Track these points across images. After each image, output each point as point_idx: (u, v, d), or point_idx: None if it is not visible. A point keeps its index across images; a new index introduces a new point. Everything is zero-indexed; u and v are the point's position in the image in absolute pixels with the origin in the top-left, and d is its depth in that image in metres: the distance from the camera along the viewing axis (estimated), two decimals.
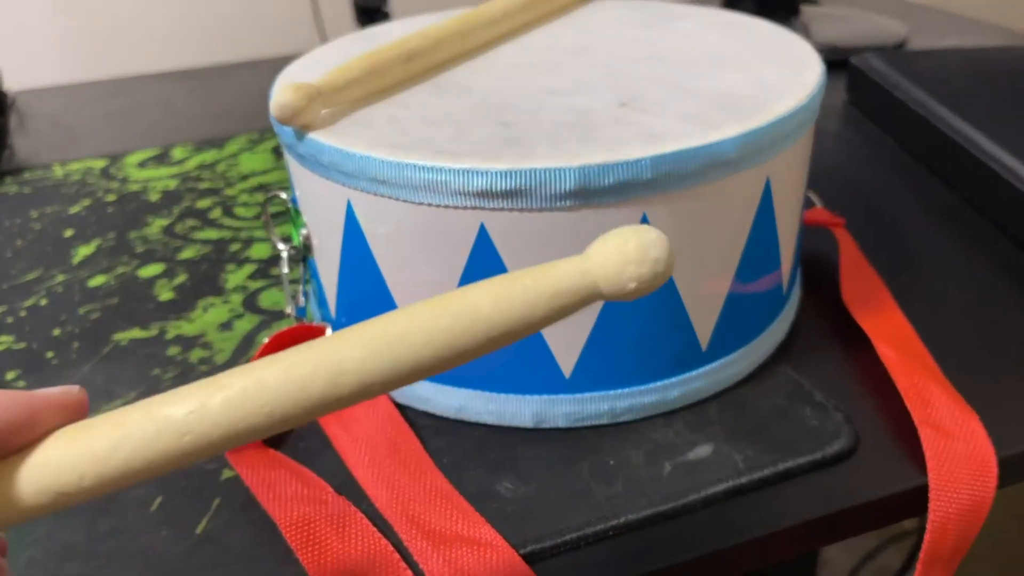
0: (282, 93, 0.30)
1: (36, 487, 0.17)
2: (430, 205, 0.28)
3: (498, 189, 0.27)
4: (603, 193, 0.27)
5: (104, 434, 0.17)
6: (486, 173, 0.27)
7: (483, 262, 0.29)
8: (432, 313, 0.18)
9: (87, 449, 0.17)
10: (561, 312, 0.18)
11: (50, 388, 0.19)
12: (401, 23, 0.43)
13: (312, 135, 0.30)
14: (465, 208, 0.28)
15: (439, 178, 0.28)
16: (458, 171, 0.27)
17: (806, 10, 0.80)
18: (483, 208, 0.28)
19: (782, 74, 0.33)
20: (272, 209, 0.51)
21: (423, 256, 0.30)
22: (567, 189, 0.27)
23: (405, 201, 0.29)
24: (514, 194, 0.27)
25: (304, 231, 0.35)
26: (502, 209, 0.28)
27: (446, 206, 0.28)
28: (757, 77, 0.33)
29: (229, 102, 0.72)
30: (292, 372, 0.17)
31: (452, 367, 0.18)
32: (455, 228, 0.29)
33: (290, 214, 0.37)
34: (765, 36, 0.39)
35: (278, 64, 0.79)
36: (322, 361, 0.17)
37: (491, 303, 0.18)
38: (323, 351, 0.18)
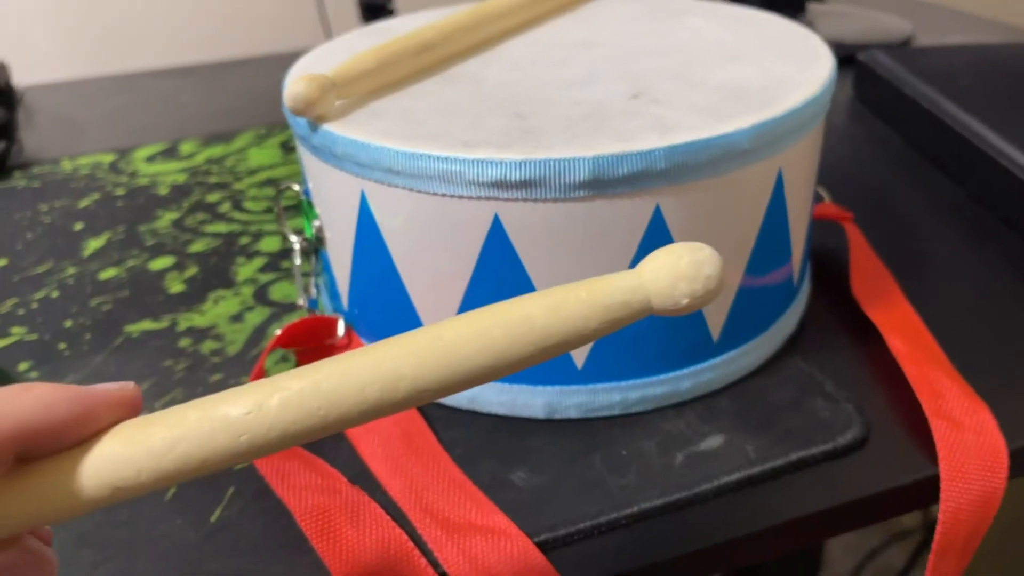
0: (296, 84, 0.30)
1: (95, 481, 0.18)
2: (444, 195, 0.29)
3: (512, 179, 0.27)
4: (617, 183, 0.28)
5: (162, 431, 0.18)
6: (500, 163, 0.27)
7: (497, 252, 0.29)
8: (486, 323, 0.18)
9: (145, 445, 0.18)
10: (613, 325, 0.18)
11: (106, 384, 0.19)
12: (407, 18, 0.43)
13: (326, 126, 0.30)
14: (479, 198, 0.28)
15: (453, 168, 0.28)
16: (472, 161, 0.27)
17: (812, 7, 0.81)
18: (497, 198, 0.28)
19: (793, 66, 0.34)
20: (284, 203, 0.51)
21: (437, 247, 0.30)
22: (581, 179, 0.27)
23: (419, 192, 0.29)
24: (528, 184, 0.27)
25: (317, 223, 0.35)
26: (516, 199, 0.28)
27: (460, 196, 0.28)
28: (768, 69, 0.33)
29: (235, 98, 0.72)
30: (349, 376, 0.17)
31: (504, 375, 0.18)
32: (469, 218, 0.29)
33: (302, 206, 0.37)
34: (774, 29, 0.39)
35: (283, 60, 0.79)
36: (379, 366, 0.18)
37: (544, 315, 0.18)
38: (379, 356, 0.18)
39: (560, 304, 0.18)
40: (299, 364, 0.36)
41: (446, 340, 0.18)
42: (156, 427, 0.18)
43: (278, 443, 0.17)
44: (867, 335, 0.36)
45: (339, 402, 0.17)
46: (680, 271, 0.17)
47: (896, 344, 0.34)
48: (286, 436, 0.17)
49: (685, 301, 0.18)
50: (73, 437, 0.18)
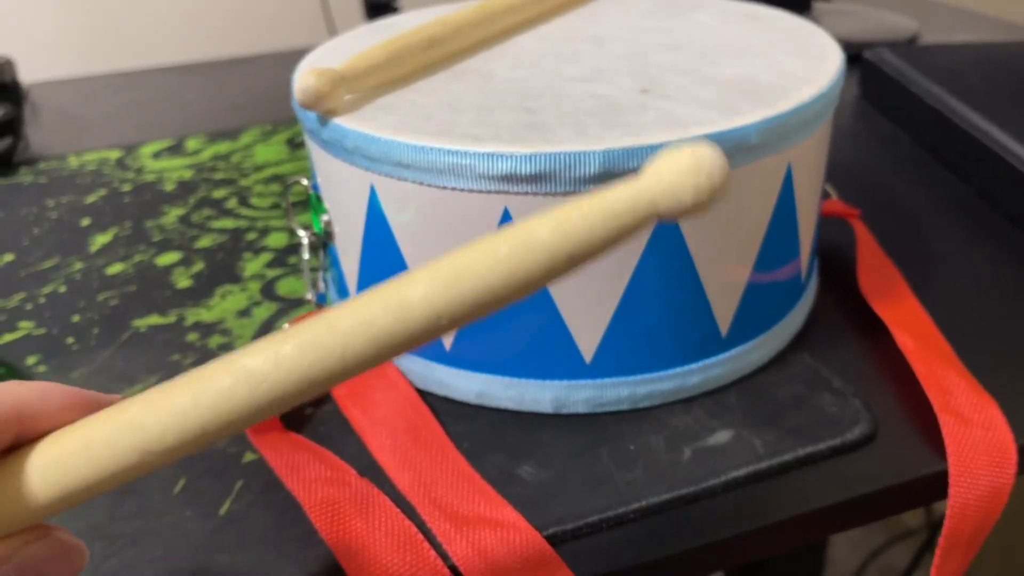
0: (306, 78, 0.30)
1: (122, 446, 0.17)
2: (454, 189, 0.29)
3: (522, 173, 0.27)
4: (626, 177, 0.28)
5: (184, 389, 0.17)
6: (511, 157, 0.27)
7: None
8: (492, 243, 0.17)
9: (169, 404, 0.17)
10: (620, 233, 0.17)
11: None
12: (412, 14, 0.43)
13: (336, 120, 0.30)
14: (489, 192, 0.28)
15: (464, 162, 0.28)
16: (483, 155, 0.28)
17: (817, 6, 0.81)
18: (507, 192, 0.28)
19: (802, 62, 0.34)
20: (291, 198, 0.51)
21: (446, 241, 0.30)
22: (591, 173, 0.27)
23: (429, 185, 0.29)
24: (538, 178, 0.28)
25: (325, 217, 0.35)
26: (526, 193, 0.28)
27: (470, 190, 0.28)
28: (777, 65, 0.33)
29: (240, 95, 0.72)
30: (360, 312, 0.17)
31: (517, 298, 0.17)
32: (479, 212, 0.29)
33: (310, 201, 0.37)
34: (783, 25, 0.39)
35: (288, 58, 0.80)
36: (388, 298, 0.17)
37: (550, 229, 0.17)
38: (387, 290, 0.17)
39: (565, 218, 0.17)
40: None
41: (454, 264, 0.17)
42: (177, 386, 0.18)
43: (299, 388, 0.17)
44: (875, 331, 0.36)
45: (354, 339, 0.17)
46: (682, 167, 0.17)
47: (904, 340, 0.34)
48: (306, 380, 0.17)
49: (689, 198, 0.17)
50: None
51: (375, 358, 0.17)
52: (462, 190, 0.28)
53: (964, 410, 0.30)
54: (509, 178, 0.28)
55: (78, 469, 0.18)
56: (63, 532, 0.20)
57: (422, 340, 0.17)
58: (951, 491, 0.28)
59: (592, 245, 0.17)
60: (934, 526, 0.90)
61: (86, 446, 0.18)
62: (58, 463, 0.18)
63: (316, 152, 0.33)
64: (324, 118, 0.31)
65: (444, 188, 0.29)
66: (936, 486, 0.30)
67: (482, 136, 0.28)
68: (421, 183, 0.29)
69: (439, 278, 0.17)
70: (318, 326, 0.17)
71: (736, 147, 0.28)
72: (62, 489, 0.18)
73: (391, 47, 0.33)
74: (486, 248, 0.17)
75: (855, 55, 0.65)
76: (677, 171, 0.17)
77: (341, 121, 0.30)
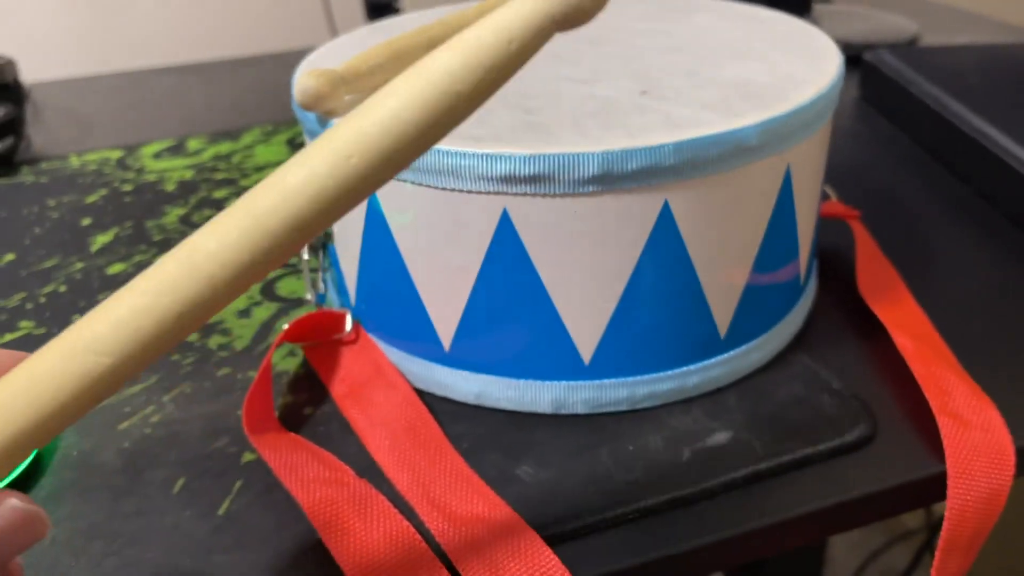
0: (306, 79, 0.30)
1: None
2: (452, 190, 0.29)
3: (521, 174, 0.27)
4: (625, 178, 0.28)
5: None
6: (509, 158, 0.27)
7: (505, 247, 0.29)
8: (406, 81, 0.18)
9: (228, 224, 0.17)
10: (526, 53, 0.17)
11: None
12: (414, 15, 0.44)
13: (336, 120, 0.30)
14: (488, 193, 0.28)
15: (462, 163, 0.28)
16: (481, 156, 0.28)
17: (817, 7, 0.81)
18: (506, 193, 0.28)
19: (801, 63, 0.34)
20: None
21: (444, 241, 0.30)
22: (590, 174, 0.27)
23: (427, 186, 0.29)
24: (537, 179, 0.28)
25: None
26: (525, 194, 0.28)
27: (468, 191, 0.28)
28: (776, 67, 0.33)
29: (242, 95, 0.72)
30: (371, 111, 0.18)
31: (436, 132, 0.18)
32: (477, 213, 0.29)
33: None
34: (782, 27, 0.39)
35: (290, 58, 0.80)
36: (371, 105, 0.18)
37: (459, 58, 0.17)
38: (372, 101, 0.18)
39: (467, 47, 0.18)
40: (307, 359, 0.36)
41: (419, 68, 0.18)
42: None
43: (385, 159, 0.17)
44: (874, 332, 0.36)
45: (367, 141, 0.17)
46: None
47: (903, 341, 0.34)
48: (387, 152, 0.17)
49: (588, 2, 0.17)
50: None
51: (402, 154, 0.17)
52: (461, 191, 0.28)
53: (963, 412, 0.31)
54: (508, 179, 0.28)
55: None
56: (18, 497, 0.18)
57: (343, 197, 0.17)
58: (950, 493, 0.28)
59: (498, 61, 0.17)
60: (934, 527, 0.90)
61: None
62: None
63: None
64: (324, 119, 0.31)
65: (443, 189, 0.29)
66: (935, 488, 0.30)
67: (481, 137, 0.28)
68: (420, 184, 0.29)
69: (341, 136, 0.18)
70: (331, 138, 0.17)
71: (735, 148, 0.28)
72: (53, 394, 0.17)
73: (391, 48, 0.33)
74: (382, 99, 0.18)
75: (855, 56, 0.65)
76: None
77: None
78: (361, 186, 0.17)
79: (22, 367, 0.17)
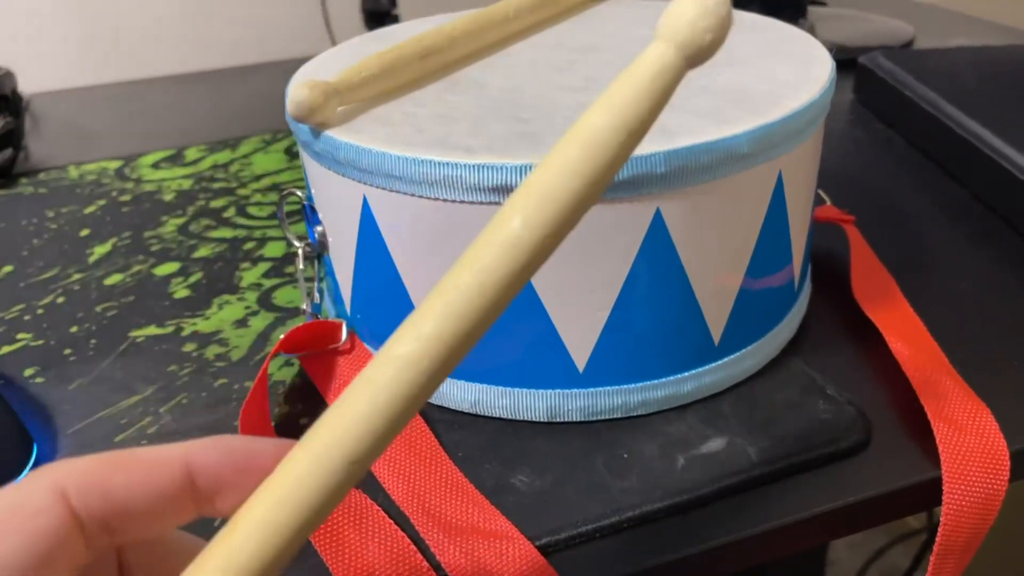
0: (298, 91, 0.30)
1: (326, 465, 0.17)
2: (446, 200, 0.29)
3: (514, 184, 0.28)
4: (617, 187, 0.28)
5: (357, 395, 0.17)
6: (501, 168, 0.27)
7: None
8: (562, 149, 0.18)
9: (352, 412, 0.17)
10: (664, 95, 0.18)
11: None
12: (410, 24, 0.44)
13: (328, 132, 0.31)
14: (481, 203, 0.28)
15: (455, 173, 0.28)
16: (474, 167, 0.28)
17: (813, 11, 0.81)
18: (499, 203, 0.28)
19: (793, 70, 0.34)
20: (287, 208, 0.51)
21: (439, 252, 0.30)
22: None
23: (421, 197, 0.29)
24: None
25: (319, 228, 0.35)
26: None
27: (462, 201, 0.29)
28: (768, 73, 0.34)
29: (241, 104, 0.72)
30: (476, 262, 0.18)
31: (600, 191, 0.18)
32: (471, 223, 0.29)
33: (305, 212, 0.37)
34: (773, 33, 0.39)
35: (288, 67, 0.80)
36: (492, 240, 0.18)
37: (602, 115, 0.18)
38: (488, 234, 0.18)
39: (610, 100, 0.18)
40: (303, 369, 0.36)
41: (536, 184, 0.18)
42: (350, 397, 0.17)
43: (455, 352, 0.18)
44: (868, 337, 0.36)
45: (482, 286, 0.18)
46: (691, 13, 0.18)
47: (897, 346, 0.34)
48: (458, 342, 0.18)
49: (709, 37, 0.18)
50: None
51: (501, 303, 0.18)
52: (454, 201, 0.29)
53: (958, 416, 0.31)
54: (500, 189, 0.28)
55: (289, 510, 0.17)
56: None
57: (534, 266, 0.18)
58: (945, 498, 0.29)
59: (644, 118, 0.18)
60: (936, 527, 0.90)
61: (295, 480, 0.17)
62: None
63: (309, 164, 0.34)
64: (317, 130, 0.31)
65: (436, 199, 0.29)
66: (930, 493, 0.30)
67: (474, 147, 0.29)
68: (413, 195, 0.29)
69: (530, 204, 0.18)
70: (445, 293, 0.18)
71: (727, 156, 0.28)
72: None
73: (386, 58, 0.34)
74: (560, 157, 0.18)
75: (851, 60, 0.65)
76: (690, 20, 0.18)
77: (333, 133, 0.30)
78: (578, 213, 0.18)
79: (287, 473, 0.17)
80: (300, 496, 0.17)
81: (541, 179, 0.18)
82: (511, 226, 0.18)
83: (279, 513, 0.17)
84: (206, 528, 0.27)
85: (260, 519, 0.17)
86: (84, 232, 0.51)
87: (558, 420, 0.32)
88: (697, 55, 0.18)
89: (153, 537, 0.18)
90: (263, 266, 0.46)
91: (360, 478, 0.17)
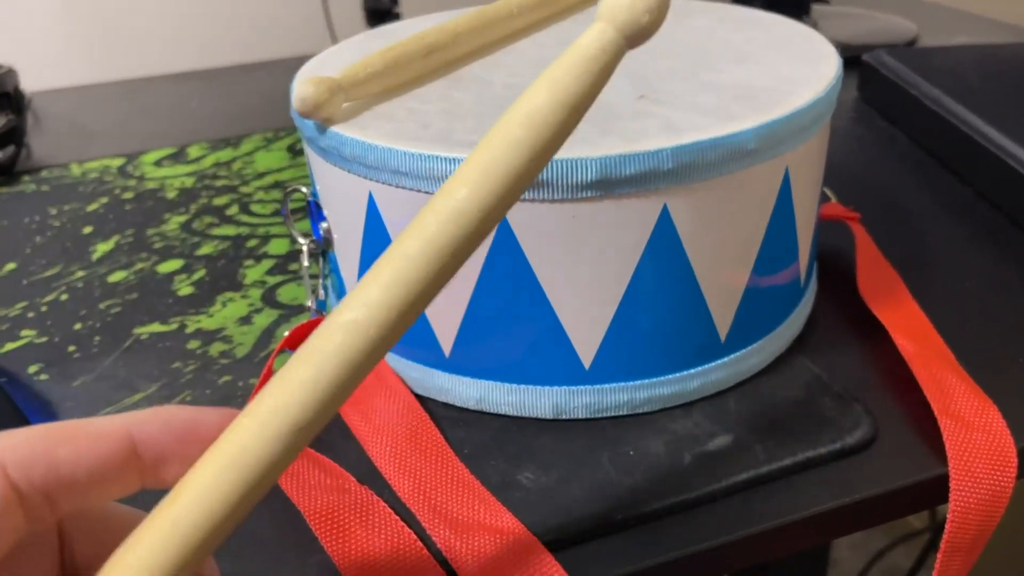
0: (303, 87, 0.30)
1: (270, 433, 0.17)
2: None
3: None
4: (624, 183, 0.28)
5: (302, 363, 0.17)
6: None
7: (504, 253, 0.29)
8: (505, 128, 0.19)
9: (296, 381, 0.17)
10: (603, 74, 0.19)
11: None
12: (413, 21, 0.44)
13: (334, 128, 0.31)
14: None
15: None
16: None
17: (816, 9, 0.81)
18: None
19: (799, 66, 0.34)
20: (291, 205, 0.51)
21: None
22: (588, 180, 0.27)
23: (427, 192, 0.29)
24: (535, 185, 0.28)
25: (324, 225, 0.35)
26: (523, 200, 0.28)
27: None
28: (774, 70, 0.33)
29: (243, 102, 0.72)
30: (421, 232, 0.18)
31: (541, 165, 0.19)
32: None
33: (310, 209, 0.37)
34: (780, 30, 0.39)
35: (290, 65, 0.80)
36: (439, 209, 0.18)
37: (544, 92, 0.19)
38: (436, 203, 0.19)
39: (552, 80, 0.19)
40: None
41: (480, 159, 0.19)
42: (293, 367, 0.17)
43: (399, 324, 0.18)
44: (874, 335, 0.36)
45: (425, 256, 0.18)
46: None
47: (903, 343, 0.34)
48: (404, 311, 0.18)
49: (647, 18, 0.19)
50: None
51: (447, 271, 0.18)
52: None
53: (964, 413, 0.30)
54: None
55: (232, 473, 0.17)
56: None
57: (479, 235, 0.19)
58: (952, 495, 0.28)
59: (585, 94, 0.19)
60: (938, 527, 0.90)
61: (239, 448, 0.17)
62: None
63: (315, 160, 0.34)
64: (322, 126, 0.31)
65: None
66: (937, 490, 0.30)
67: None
68: (419, 190, 0.29)
69: (475, 176, 0.19)
70: (392, 261, 0.18)
71: (733, 152, 0.28)
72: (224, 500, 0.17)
73: (390, 55, 0.34)
74: (504, 133, 0.19)
75: (854, 58, 0.65)
76: (629, 2, 0.19)
77: (339, 129, 0.30)
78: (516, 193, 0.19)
79: (231, 440, 0.17)
80: (244, 462, 0.17)
81: (486, 153, 0.19)
82: (457, 197, 0.19)
83: (222, 480, 0.17)
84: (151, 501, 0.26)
85: (203, 487, 0.17)
86: (87, 229, 0.51)
87: (564, 417, 0.32)
88: (636, 35, 0.19)
89: (95, 506, 0.18)
90: (267, 263, 0.46)
91: (306, 444, 0.17)
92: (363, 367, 0.17)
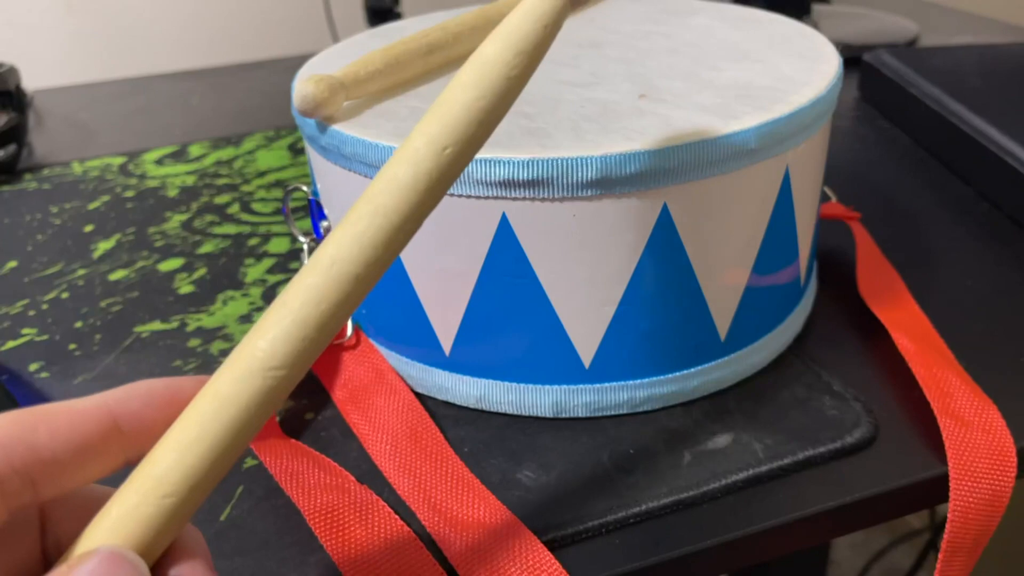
0: (305, 85, 0.30)
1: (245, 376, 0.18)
2: (452, 195, 0.29)
3: (520, 178, 0.28)
4: (624, 182, 0.28)
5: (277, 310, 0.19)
6: (508, 162, 0.27)
7: (504, 251, 0.29)
8: (457, 87, 0.20)
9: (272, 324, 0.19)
10: (555, 27, 0.21)
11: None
12: (414, 20, 0.44)
13: (335, 127, 0.31)
14: (487, 198, 0.28)
15: None
16: (480, 161, 0.28)
17: (817, 8, 0.81)
18: (504, 197, 0.28)
19: (799, 65, 0.34)
20: (292, 204, 0.51)
21: (444, 246, 0.30)
22: (589, 178, 0.27)
23: None
24: (536, 183, 0.28)
25: (325, 223, 0.35)
26: (524, 198, 0.28)
27: (468, 196, 0.28)
28: (775, 69, 0.33)
29: (244, 101, 0.72)
30: (382, 180, 0.20)
31: (503, 111, 0.20)
32: (476, 217, 0.29)
33: (311, 207, 0.37)
34: (780, 29, 0.39)
35: (291, 64, 0.80)
36: (402, 159, 0.20)
37: (493, 43, 0.21)
38: (397, 154, 0.20)
39: (500, 30, 0.21)
40: None
41: (435, 114, 0.20)
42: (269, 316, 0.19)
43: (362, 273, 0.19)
44: (874, 334, 0.36)
45: (383, 210, 0.19)
46: None
47: (903, 343, 0.34)
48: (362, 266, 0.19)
49: None
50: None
51: (413, 215, 0.20)
52: (460, 196, 0.29)
53: (964, 413, 0.30)
54: (506, 184, 0.28)
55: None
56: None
57: (436, 187, 0.20)
58: (952, 495, 0.28)
59: (534, 43, 0.20)
60: (938, 527, 0.90)
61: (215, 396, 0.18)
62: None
63: (316, 158, 0.34)
64: (323, 125, 0.31)
65: None
66: (937, 489, 0.30)
67: None
68: None
69: (432, 126, 0.20)
70: (363, 210, 0.19)
71: (734, 152, 0.28)
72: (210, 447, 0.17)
73: (391, 53, 0.34)
74: (455, 94, 0.20)
75: (855, 57, 0.65)
76: None
77: (340, 127, 0.30)
78: (456, 171, 0.20)
79: (207, 390, 0.18)
80: (218, 409, 0.17)
81: (443, 105, 0.20)
82: (415, 145, 0.20)
83: (198, 428, 0.17)
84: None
85: (180, 437, 0.17)
86: (88, 228, 0.51)
87: (564, 416, 0.32)
88: None
89: (79, 486, 0.18)
90: (267, 262, 0.46)
91: (283, 392, 0.18)
92: (341, 310, 0.19)
